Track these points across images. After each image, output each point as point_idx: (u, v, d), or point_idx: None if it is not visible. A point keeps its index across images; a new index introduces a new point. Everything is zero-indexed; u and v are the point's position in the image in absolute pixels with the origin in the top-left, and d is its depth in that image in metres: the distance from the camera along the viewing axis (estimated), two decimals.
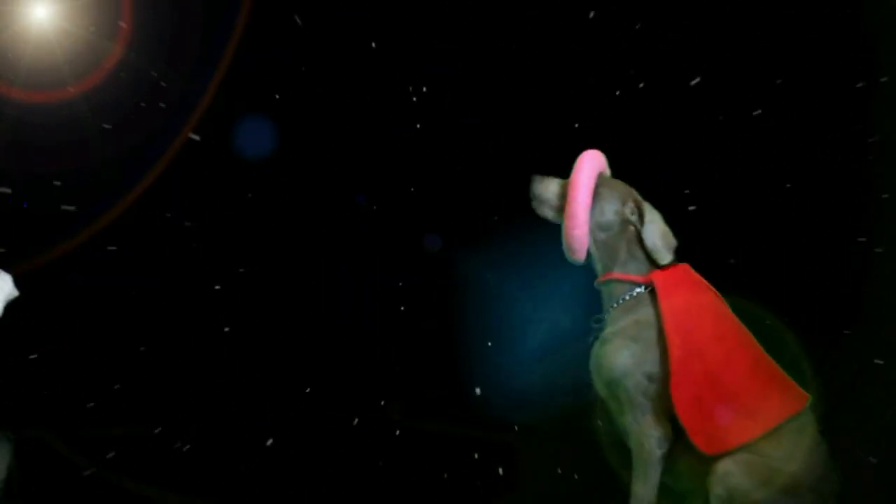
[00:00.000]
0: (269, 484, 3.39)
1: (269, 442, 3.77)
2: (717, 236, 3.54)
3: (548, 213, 2.41)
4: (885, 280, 3.28)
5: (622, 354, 2.24)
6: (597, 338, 2.34)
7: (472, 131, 4.03)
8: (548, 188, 2.40)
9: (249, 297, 4.16)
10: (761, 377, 2.20)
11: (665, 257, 2.29)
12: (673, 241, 2.31)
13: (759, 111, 3.54)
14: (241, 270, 4.16)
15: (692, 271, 2.34)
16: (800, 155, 3.47)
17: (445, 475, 3.42)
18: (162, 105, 3.94)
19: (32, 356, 4.00)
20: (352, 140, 4.17)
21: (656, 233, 2.30)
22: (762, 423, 2.13)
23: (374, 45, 4.06)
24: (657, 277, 2.28)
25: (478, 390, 3.70)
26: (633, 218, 2.31)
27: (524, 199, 3.43)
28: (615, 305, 2.31)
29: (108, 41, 3.77)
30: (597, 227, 2.34)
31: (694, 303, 2.25)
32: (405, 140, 4.11)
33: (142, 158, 4.05)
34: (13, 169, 3.84)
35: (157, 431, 3.85)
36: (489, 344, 3.76)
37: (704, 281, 2.33)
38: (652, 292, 2.27)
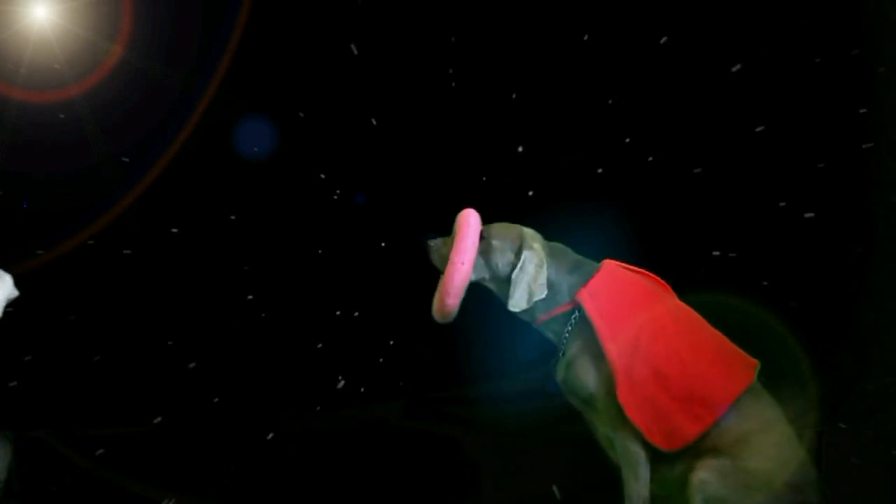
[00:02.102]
0: (268, 484, 3.39)
1: (269, 442, 3.77)
2: (717, 236, 3.54)
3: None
4: (885, 280, 3.28)
5: (590, 371, 2.29)
6: (554, 376, 2.36)
7: (473, 130, 4.03)
8: (440, 250, 2.43)
9: (249, 297, 4.16)
10: (705, 361, 2.22)
11: (515, 305, 2.33)
12: (539, 294, 2.32)
13: (755, 112, 3.54)
14: (241, 269, 4.16)
15: (617, 267, 2.35)
16: (798, 155, 3.47)
17: (445, 475, 3.42)
18: (162, 105, 3.92)
19: (31, 356, 4.01)
20: (351, 139, 4.17)
21: (526, 280, 2.32)
22: (714, 408, 2.16)
23: (373, 43, 4.06)
24: (583, 295, 2.30)
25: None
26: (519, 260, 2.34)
27: (526, 198, 3.44)
28: (565, 338, 2.34)
29: (108, 41, 3.76)
30: (494, 280, 2.37)
31: (623, 306, 2.28)
32: (405, 139, 4.11)
33: (142, 158, 4.04)
34: (13, 169, 3.83)
35: (157, 431, 3.85)
36: (489, 344, 3.76)
37: (632, 274, 2.34)
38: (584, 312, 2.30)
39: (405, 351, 4.07)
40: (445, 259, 2.39)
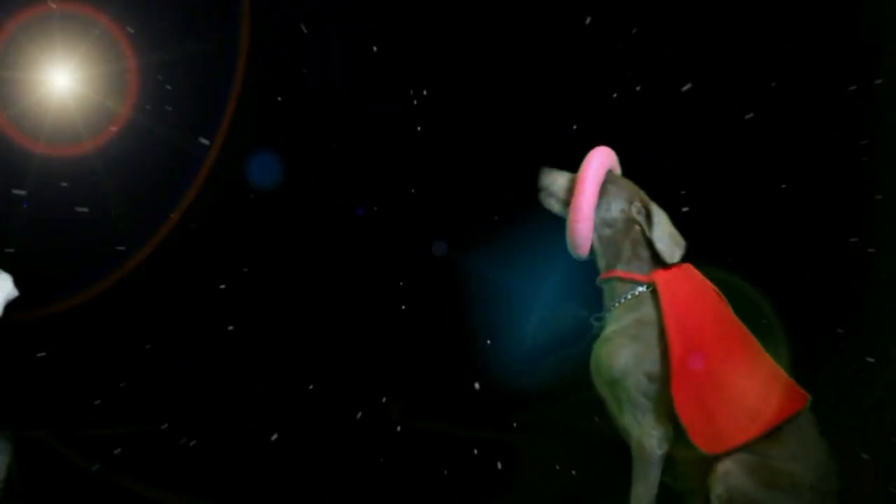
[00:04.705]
0: (269, 484, 3.39)
1: (270, 441, 3.77)
2: (718, 236, 3.54)
3: (554, 205, 2.40)
4: (884, 280, 3.28)
5: (623, 354, 2.24)
6: (597, 336, 2.33)
7: (473, 132, 4.04)
8: (556, 180, 2.39)
9: (252, 298, 4.17)
10: (762, 377, 2.19)
11: (674, 257, 2.29)
12: (682, 242, 2.31)
13: (755, 113, 3.54)
14: (244, 271, 4.17)
15: (695, 271, 2.33)
16: (798, 155, 3.47)
17: (445, 475, 3.42)
18: (167, 160, 4.34)
19: (33, 356, 4.02)
20: (353, 144, 4.19)
21: (665, 233, 2.30)
22: (762, 423, 2.13)
23: (374, 47, 4.07)
24: (659, 277, 2.27)
25: (476, 385, 3.71)
26: (640, 218, 2.31)
27: (527, 197, 3.43)
28: (617, 304, 2.31)
29: (118, 104, 4.25)
30: (602, 223, 2.34)
31: (695, 303, 2.25)
32: (407, 142, 4.12)
33: (153, 204, 4.36)
34: (35, 215, 4.17)
35: (157, 431, 3.86)
36: (490, 343, 3.76)
37: (707, 281, 2.33)
38: (654, 292, 2.26)
39: (406, 351, 4.08)
40: (552, 197, 2.38)
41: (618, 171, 2.41)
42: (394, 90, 4.11)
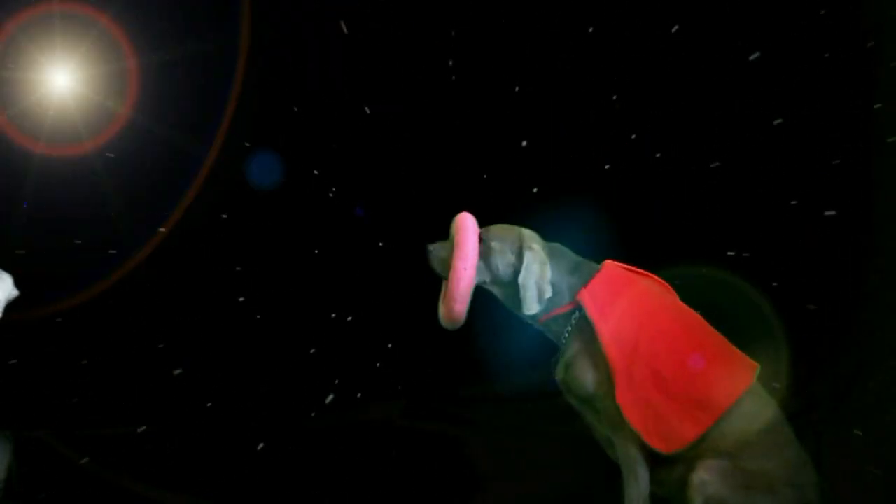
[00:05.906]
0: (269, 484, 3.39)
1: (271, 441, 3.77)
2: (718, 235, 3.54)
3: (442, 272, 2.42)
4: (885, 280, 3.28)
5: (589, 372, 2.27)
6: (554, 376, 2.36)
7: (473, 132, 4.03)
8: (438, 255, 2.41)
9: (253, 298, 4.17)
10: (704, 362, 2.20)
11: (530, 309, 2.31)
12: (546, 291, 2.30)
13: (754, 113, 3.54)
14: (239, 270, 4.16)
15: (618, 269, 2.34)
16: (798, 155, 3.47)
17: (445, 475, 3.42)
18: (166, 159, 4.33)
19: (33, 356, 4.02)
20: (348, 138, 4.19)
21: (529, 281, 2.30)
22: (714, 409, 2.14)
23: (369, 36, 4.08)
24: (584, 296, 2.29)
25: None
26: (520, 264, 2.32)
27: (528, 197, 3.44)
28: (565, 338, 2.33)
29: (118, 104, 4.25)
30: (497, 282, 2.35)
31: (626, 307, 2.26)
32: (407, 141, 4.11)
33: (153, 204, 4.35)
34: (36, 215, 4.18)
35: (157, 430, 3.86)
36: (489, 344, 3.76)
37: (633, 275, 2.33)
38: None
39: (405, 351, 4.07)
40: (446, 263, 2.38)
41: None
42: (394, 90, 4.11)
